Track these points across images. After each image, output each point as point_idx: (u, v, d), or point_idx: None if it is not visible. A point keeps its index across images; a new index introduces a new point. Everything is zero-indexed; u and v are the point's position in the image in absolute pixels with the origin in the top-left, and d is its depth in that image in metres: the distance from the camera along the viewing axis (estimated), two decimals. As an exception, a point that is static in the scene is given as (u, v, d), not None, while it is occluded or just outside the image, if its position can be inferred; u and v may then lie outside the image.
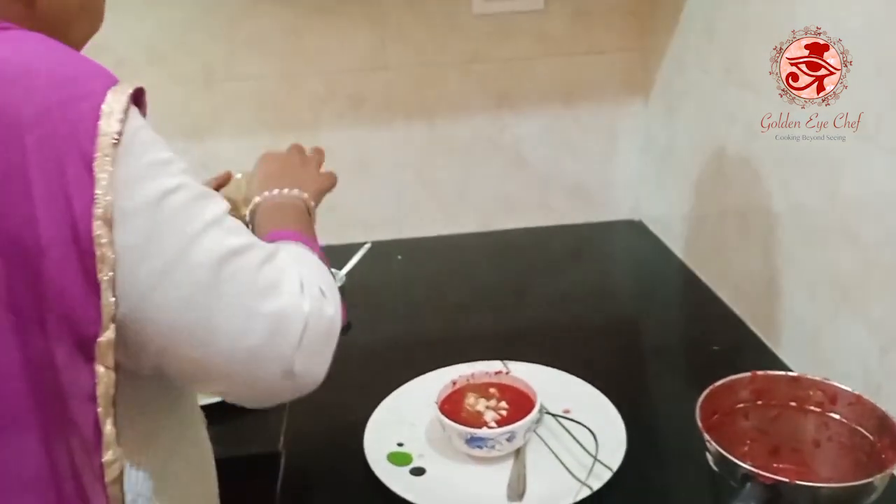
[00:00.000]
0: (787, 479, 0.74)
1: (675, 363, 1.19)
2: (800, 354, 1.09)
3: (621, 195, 1.68)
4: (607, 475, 0.89)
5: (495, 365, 1.06)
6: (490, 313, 1.36)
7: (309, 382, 0.66)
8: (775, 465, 0.86)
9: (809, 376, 0.87)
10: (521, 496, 0.87)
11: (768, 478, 0.74)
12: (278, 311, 0.62)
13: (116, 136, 0.55)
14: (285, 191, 0.86)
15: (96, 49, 0.68)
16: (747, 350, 1.17)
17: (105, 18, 0.70)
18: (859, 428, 0.82)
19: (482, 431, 0.91)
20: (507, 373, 1.03)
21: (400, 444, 0.97)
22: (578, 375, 1.07)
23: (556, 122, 1.61)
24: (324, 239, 0.84)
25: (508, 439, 0.92)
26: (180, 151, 0.60)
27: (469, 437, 0.91)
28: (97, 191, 0.54)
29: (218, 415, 0.83)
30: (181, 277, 0.58)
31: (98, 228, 0.54)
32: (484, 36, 1.54)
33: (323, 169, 0.98)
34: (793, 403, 0.87)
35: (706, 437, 0.79)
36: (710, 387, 0.85)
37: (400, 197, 1.64)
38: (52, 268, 0.54)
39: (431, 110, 1.58)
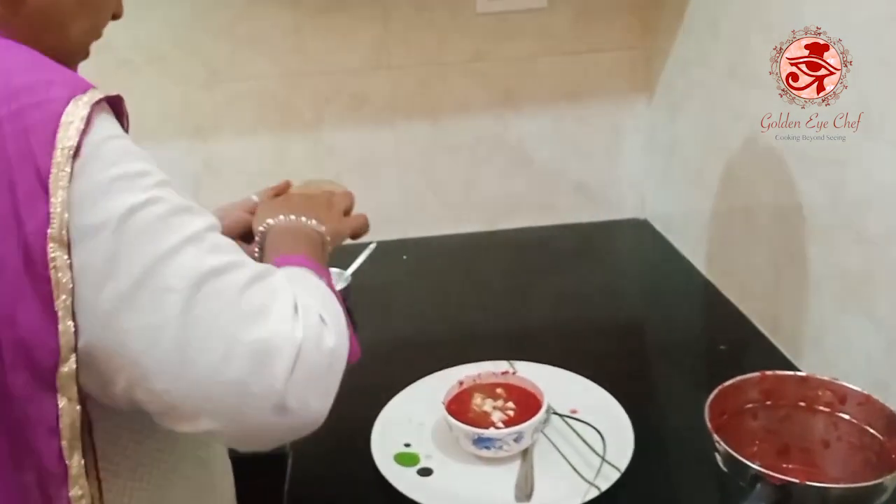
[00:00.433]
0: (797, 480, 0.73)
1: (681, 362, 1.19)
2: (806, 353, 1.08)
3: (626, 194, 1.67)
4: (615, 476, 0.88)
5: (502, 365, 1.06)
6: (496, 313, 1.36)
7: (308, 420, 0.58)
8: (784, 465, 0.85)
9: (818, 376, 0.87)
10: (528, 497, 0.87)
11: (778, 478, 0.73)
12: (264, 338, 0.55)
13: (75, 148, 0.51)
14: (302, 219, 0.80)
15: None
16: (754, 349, 1.17)
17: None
18: (869, 428, 0.82)
19: (489, 432, 0.91)
20: (513, 373, 1.03)
21: (407, 445, 0.97)
22: (585, 375, 1.07)
23: (560, 120, 1.61)
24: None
25: (516, 440, 0.91)
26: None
27: (476, 437, 0.91)
28: (52, 208, 0.50)
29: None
30: (148, 301, 0.52)
31: (53, 251, 0.50)
32: (487, 34, 1.53)
33: (348, 208, 0.90)
34: (802, 403, 0.87)
35: (715, 437, 0.79)
36: (720, 387, 0.84)
37: (405, 197, 1.64)
38: (4, 293, 0.51)
39: (435, 109, 1.58)
